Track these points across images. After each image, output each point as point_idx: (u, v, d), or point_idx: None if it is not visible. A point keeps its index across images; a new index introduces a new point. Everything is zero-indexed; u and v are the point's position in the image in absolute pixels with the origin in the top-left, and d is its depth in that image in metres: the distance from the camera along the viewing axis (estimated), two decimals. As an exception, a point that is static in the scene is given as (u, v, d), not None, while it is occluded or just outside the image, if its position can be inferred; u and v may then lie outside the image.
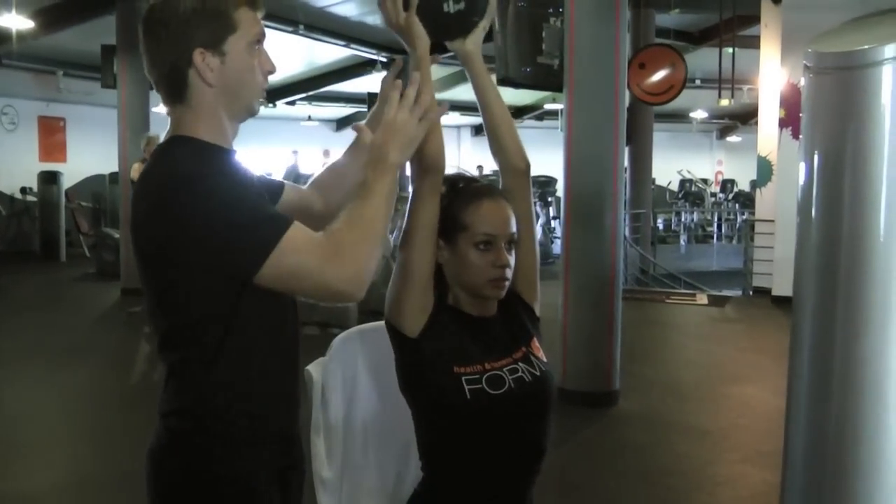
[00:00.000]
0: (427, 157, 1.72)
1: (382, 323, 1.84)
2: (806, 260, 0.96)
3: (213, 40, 1.53)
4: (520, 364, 1.81)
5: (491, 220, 1.79)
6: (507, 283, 1.81)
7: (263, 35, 1.61)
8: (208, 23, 1.53)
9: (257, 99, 1.63)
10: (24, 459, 4.72)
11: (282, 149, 18.53)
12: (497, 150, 1.95)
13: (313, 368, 1.92)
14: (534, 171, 2.16)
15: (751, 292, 10.81)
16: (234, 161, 1.61)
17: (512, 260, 1.80)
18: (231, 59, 1.55)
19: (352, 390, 1.94)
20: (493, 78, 1.99)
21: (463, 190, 1.84)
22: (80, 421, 5.57)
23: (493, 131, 1.94)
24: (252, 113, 1.63)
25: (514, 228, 1.81)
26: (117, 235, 11.22)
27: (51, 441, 5.05)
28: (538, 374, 1.82)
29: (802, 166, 0.93)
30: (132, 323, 8.78)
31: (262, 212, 1.49)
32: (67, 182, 14.46)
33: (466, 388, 1.73)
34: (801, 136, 0.96)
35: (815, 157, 0.96)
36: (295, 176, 10.61)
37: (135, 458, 5.20)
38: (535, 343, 1.89)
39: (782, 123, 9.72)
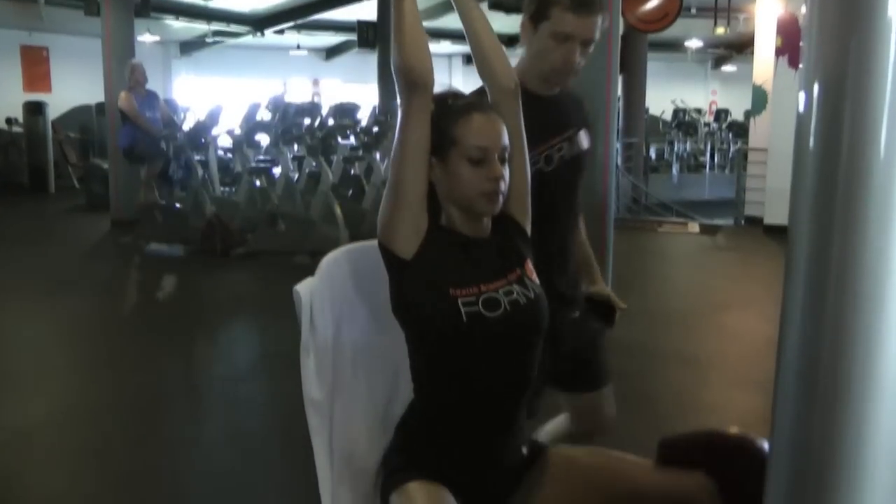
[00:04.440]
0: (413, 73, 1.69)
1: (370, 242, 1.81)
2: (804, 168, 0.94)
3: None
4: (515, 286, 1.79)
5: (482, 134, 1.76)
6: (502, 198, 1.79)
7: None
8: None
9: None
10: (16, 391, 4.73)
11: (270, 79, 18.29)
12: (484, 70, 1.91)
13: (301, 288, 1.90)
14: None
15: (742, 221, 10.82)
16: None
17: (505, 173, 1.78)
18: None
19: (340, 311, 1.92)
20: (485, 4, 1.95)
21: (453, 105, 1.81)
22: (71, 352, 5.58)
23: (479, 50, 1.91)
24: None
25: (506, 141, 1.79)
26: (106, 167, 11.10)
27: (43, 372, 5.06)
28: (532, 296, 1.80)
29: (803, 74, 0.90)
30: (123, 254, 8.76)
31: None
32: (53, 113, 14.24)
33: (463, 310, 1.71)
34: (801, 45, 0.92)
35: (817, 75, 0.93)
36: (283, 106, 10.42)
37: (127, 387, 5.21)
38: (529, 265, 1.87)
39: (778, 52, 9.60)
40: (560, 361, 2.43)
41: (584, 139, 2.35)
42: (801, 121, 0.99)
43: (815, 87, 0.97)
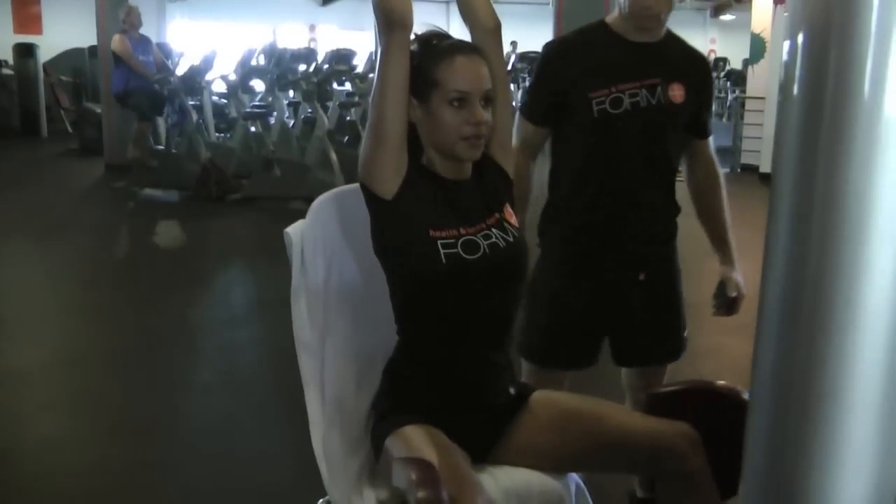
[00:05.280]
0: (395, 13, 1.68)
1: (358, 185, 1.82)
2: (789, 115, 0.95)
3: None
4: (493, 230, 1.81)
5: (465, 76, 1.75)
6: (483, 143, 1.79)
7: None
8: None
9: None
10: (10, 335, 4.76)
11: (266, 24, 18.04)
12: (465, 9, 1.89)
13: (292, 230, 1.91)
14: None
15: (739, 169, 10.84)
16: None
17: (487, 117, 1.77)
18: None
19: (331, 253, 1.93)
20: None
21: (436, 46, 1.79)
22: (66, 297, 5.59)
23: None
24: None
25: (488, 85, 1.78)
26: (99, 111, 11.00)
27: (37, 317, 5.08)
28: (511, 240, 1.82)
29: (788, 22, 0.91)
30: (117, 199, 8.75)
31: None
32: (44, 56, 14.04)
33: (442, 251, 1.73)
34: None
35: (803, 23, 0.93)
36: (279, 52, 10.30)
37: (122, 331, 5.22)
38: (508, 209, 1.88)
39: (777, 0, 9.52)
40: (622, 332, 2.40)
41: (676, 92, 2.30)
42: (787, 68, 1.00)
43: (801, 36, 0.98)
